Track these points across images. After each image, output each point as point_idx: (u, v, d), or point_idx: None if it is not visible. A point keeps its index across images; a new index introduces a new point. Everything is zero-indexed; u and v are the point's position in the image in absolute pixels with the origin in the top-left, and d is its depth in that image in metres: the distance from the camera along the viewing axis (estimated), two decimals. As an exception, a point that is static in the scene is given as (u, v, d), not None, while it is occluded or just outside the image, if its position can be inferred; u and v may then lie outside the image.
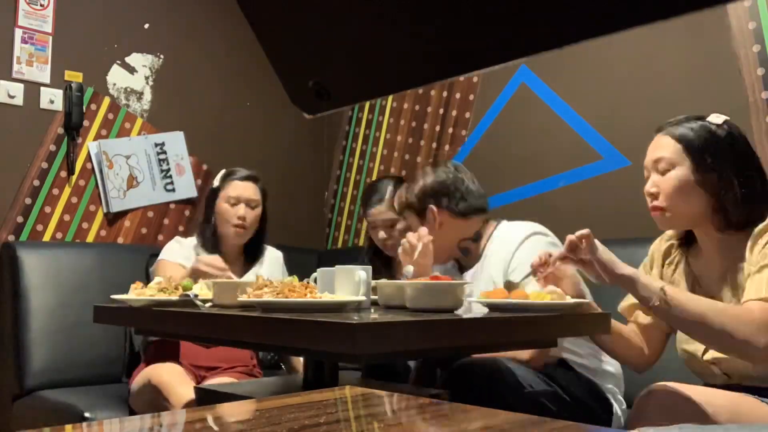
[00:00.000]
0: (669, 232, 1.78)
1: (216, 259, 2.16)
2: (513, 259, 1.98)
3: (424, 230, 2.05)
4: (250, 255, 2.62)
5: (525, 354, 1.89)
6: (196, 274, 2.06)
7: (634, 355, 1.76)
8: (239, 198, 2.54)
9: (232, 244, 2.58)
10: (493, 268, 2.03)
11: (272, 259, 2.69)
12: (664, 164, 1.63)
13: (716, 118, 1.64)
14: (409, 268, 1.98)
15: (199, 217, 2.91)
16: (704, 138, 1.61)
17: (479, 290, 1.80)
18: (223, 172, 2.66)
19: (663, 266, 1.78)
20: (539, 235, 2.03)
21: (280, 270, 2.67)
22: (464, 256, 2.17)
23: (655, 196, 1.65)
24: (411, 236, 2.06)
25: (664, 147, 1.64)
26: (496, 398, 1.66)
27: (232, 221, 2.52)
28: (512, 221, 2.17)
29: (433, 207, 2.13)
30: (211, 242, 2.55)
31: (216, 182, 2.63)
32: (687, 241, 1.75)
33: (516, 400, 1.70)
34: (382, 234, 2.57)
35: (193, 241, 2.63)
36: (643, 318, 1.76)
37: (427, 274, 2.07)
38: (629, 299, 1.76)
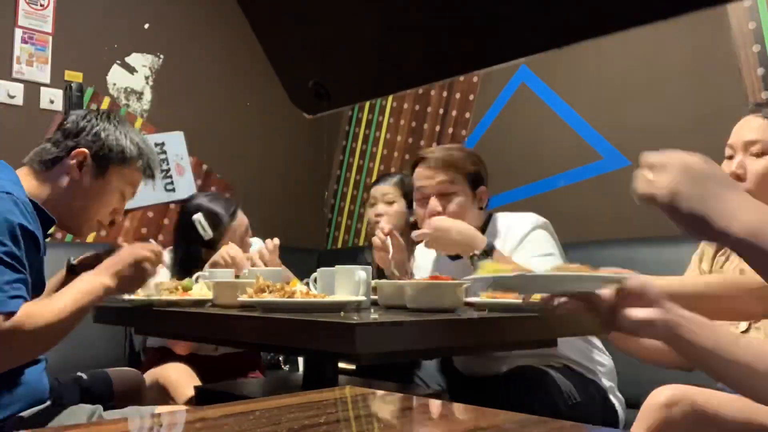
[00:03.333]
0: None
1: (233, 248, 2.15)
2: (516, 250, 1.95)
3: (387, 227, 2.04)
4: None
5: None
6: (214, 266, 2.06)
7: (671, 357, 1.68)
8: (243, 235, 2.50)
9: None
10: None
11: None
12: (758, 148, 1.53)
13: None
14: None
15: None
16: None
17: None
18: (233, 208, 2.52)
19: (714, 256, 1.69)
20: (540, 230, 2.00)
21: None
22: None
23: (740, 178, 1.53)
24: (380, 233, 2.03)
25: (759, 130, 1.54)
26: (547, 407, 1.66)
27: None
28: (508, 213, 2.10)
29: (485, 188, 2.06)
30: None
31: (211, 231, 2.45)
32: None
33: (566, 410, 1.70)
34: (378, 208, 2.63)
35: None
36: None
37: (405, 268, 2.07)
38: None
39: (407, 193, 2.65)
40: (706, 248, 1.72)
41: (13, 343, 1.31)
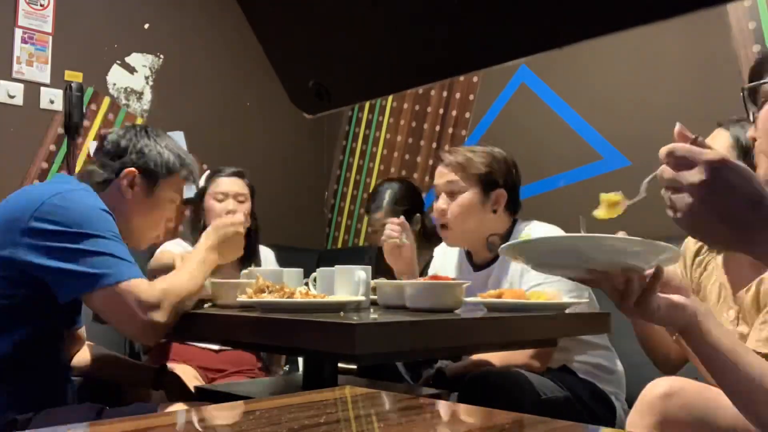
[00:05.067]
0: None
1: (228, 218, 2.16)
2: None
3: (398, 219, 2.08)
4: (245, 255, 2.62)
5: (522, 358, 1.87)
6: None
7: (661, 354, 1.68)
8: (227, 193, 2.54)
9: None
10: (513, 273, 1.97)
11: (267, 259, 2.70)
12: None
13: None
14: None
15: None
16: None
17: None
18: (208, 171, 2.66)
19: (692, 266, 1.70)
20: None
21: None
22: (489, 252, 2.07)
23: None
24: (393, 226, 2.06)
25: (718, 142, 1.55)
26: (513, 407, 1.64)
27: (220, 216, 2.52)
28: (540, 222, 2.07)
29: (503, 191, 2.04)
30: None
31: (202, 182, 2.62)
32: None
33: (533, 408, 1.68)
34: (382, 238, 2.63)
35: (178, 242, 2.62)
36: None
37: (413, 269, 2.08)
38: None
39: (409, 206, 2.67)
40: (686, 254, 1.70)
41: (166, 304, 1.47)
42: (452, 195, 2.03)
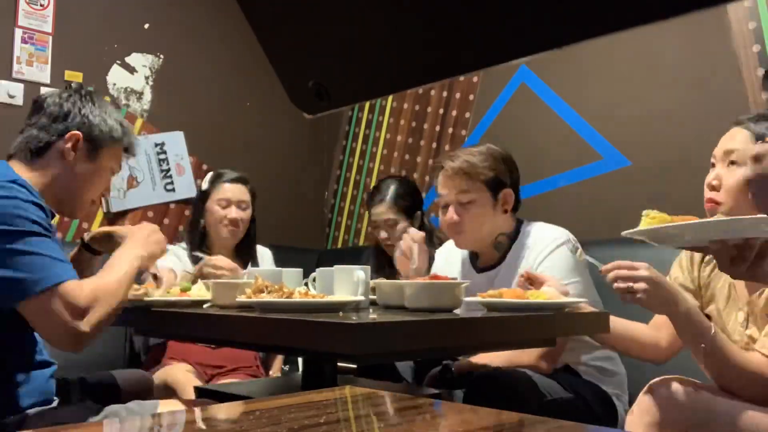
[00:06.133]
0: None
1: (222, 260, 2.15)
2: (538, 268, 1.94)
3: (418, 234, 2.06)
4: (243, 256, 2.63)
5: (529, 359, 1.87)
6: (204, 277, 2.04)
7: (650, 352, 1.70)
8: (230, 200, 2.55)
9: (224, 246, 2.58)
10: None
11: (264, 258, 2.71)
12: (735, 156, 1.52)
13: None
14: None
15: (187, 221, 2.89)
16: None
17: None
18: (211, 174, 2.66)
19: (701, 264, 1.69)
20: (564, 249, 1.98)
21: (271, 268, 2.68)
22: (497, 252, 2.08)
23: (715, 189, 1.54)
24: (408, 239, 2.05)
25: (739, 141, 1.54)
26: (520, 407, 1.65)
27: (224, 222, 2.53)
28: (545, 224, 2.08)
29: (510, 190, 2.05)
30: (201, 245, 2.55)
31: (205, 185, 2.63)
32: None
33: (540, 408, 1.68)
34: (383, 234, 2.65)
35: (179, 247, 2.63)
36: None
37: (424, 272, 2.08)
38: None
39: (408, 207, 2.66)
40: (694, 254, 1.70)
41: (94, 308, 1.39)
42: (463, 205, 2.01)
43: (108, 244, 1.71)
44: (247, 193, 2.60)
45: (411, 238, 2.07)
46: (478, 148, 2.08)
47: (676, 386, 1.42)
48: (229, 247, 2.60)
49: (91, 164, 1.63)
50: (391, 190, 2.68)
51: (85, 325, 1.37)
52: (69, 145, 1.59)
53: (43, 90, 3.07)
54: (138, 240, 1.60)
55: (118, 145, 1.68)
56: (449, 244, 2.21)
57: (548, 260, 1.95)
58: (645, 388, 1.47)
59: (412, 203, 2.70)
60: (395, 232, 2.55)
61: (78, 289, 1.38)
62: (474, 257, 2.14)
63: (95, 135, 1.63)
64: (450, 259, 2.21)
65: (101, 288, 1.42)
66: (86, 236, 1.80)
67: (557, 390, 1.81)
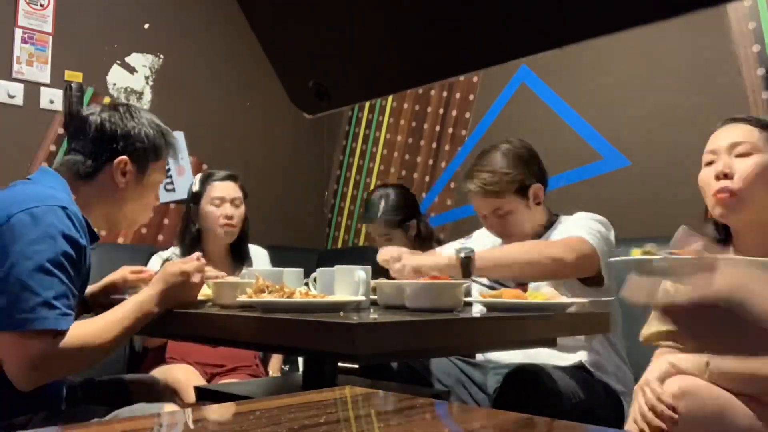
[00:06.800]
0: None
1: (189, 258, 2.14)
2: (559, 227, 2.03)
3: (398, 251, 1.95)
4: (237, 255, 2.62)
5: (556, 251, 1.88)
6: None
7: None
8: (223, 198, 2.54)
9: (219, 245, 2.57)
10: None
11: (259, 257, 2.69)
12: (744, 148, 1.52)
13: None
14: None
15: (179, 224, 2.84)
16: None
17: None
18: (200, 175, 2.64)
19: None
20: (587, 214, 2.05)
21: (268, 267, 2.67)
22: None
23: (728, 177, 1.51)
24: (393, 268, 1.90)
25: (742, 132, 1.54)
26: (548, 406, 1.66)
27: (219, 221, 2.51)
28: (570, 217, 2.12)
29: (538, 184, 2.09)
30: (193, 248, 2.48)
31: (196, 186, 2.60)
32: (722, 241, 1.60)
33: (562, 410, 1.70)
34: (381, 243, 2.64)
35: (173, 250, 2.62)
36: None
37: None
38: (652, 326, 1.49)
39: (405, 217, 2.66)
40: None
41: (62, 362, 1.36)
42: (501, 216, 2.08)
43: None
44: (239, 190, 2.59)
45: (397, 257, 1.91)
46: (498, 154, 2.09)
47: (690, 385, 1.39)
48: (223, 248, 2.59)
49: (141, 185, 1.64)
50: (381, 207, 2.67)
51: (29, 383, 1.34)
52: (119, 171, 1.60)
53: (44, 90, 3.07)
54: (155, 290, 1.53)
55: (162, 158, 1.69)
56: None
57: (572, 220, 2.04)
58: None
59: (404, 215, 2.68)
60: (391, 244, 2.55)
61: (50, 346, 1.33)
62: None
63: (140, 154, 1.63)
64: (489, 240, 2.25)
65: (82, 335, 1.38)
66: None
67: (575, 389, 1.81)
